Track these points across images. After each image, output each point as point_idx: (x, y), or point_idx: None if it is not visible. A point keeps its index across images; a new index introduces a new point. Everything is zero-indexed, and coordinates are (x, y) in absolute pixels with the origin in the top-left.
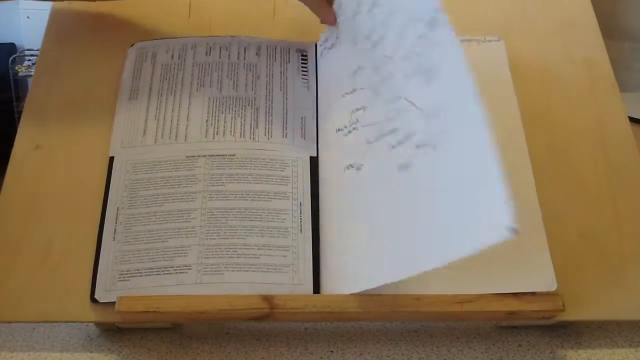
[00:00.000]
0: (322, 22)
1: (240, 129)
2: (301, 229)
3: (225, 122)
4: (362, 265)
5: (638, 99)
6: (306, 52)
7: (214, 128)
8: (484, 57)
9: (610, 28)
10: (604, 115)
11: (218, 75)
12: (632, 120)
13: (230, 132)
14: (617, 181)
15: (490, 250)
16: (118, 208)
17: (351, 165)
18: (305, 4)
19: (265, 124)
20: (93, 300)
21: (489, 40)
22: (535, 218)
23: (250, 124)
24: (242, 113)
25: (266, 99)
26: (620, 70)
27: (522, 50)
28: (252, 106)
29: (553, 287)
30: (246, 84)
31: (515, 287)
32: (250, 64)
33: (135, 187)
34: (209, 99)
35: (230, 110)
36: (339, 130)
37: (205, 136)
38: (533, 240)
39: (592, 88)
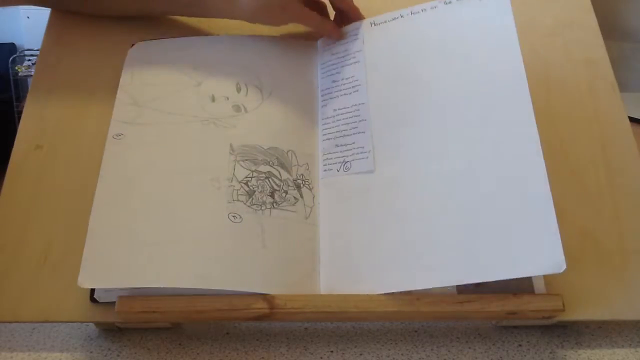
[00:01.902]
0: (329, 37)
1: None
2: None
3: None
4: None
5: (638, 99)
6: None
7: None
8: (487, 16)
9: (610, 28)
10: (603, 115)
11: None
12: (632, 120)
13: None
14: (617, 181)
15: (495, 231)
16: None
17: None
18: (308, 25)
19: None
20: (93, 300)
21: None
22: (544, 196)
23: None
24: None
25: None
26: (620, 70)
27: (522, 50)
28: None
29: (562, 268)
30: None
31: (522, 270)
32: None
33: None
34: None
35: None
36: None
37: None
38: (541, 220)
39: (592, 88)
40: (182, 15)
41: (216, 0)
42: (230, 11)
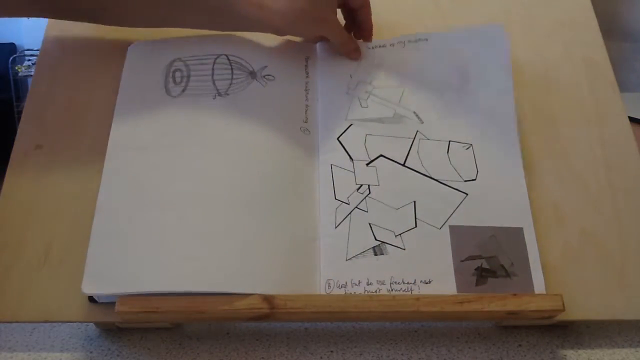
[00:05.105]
0: (348, 56)
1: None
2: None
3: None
4: None
5: (638, 99)
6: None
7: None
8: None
9: (610, 28)
10: (603, 115)
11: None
12: (632, 120)
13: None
14: (617, 181)
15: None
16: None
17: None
18: (335, 40)
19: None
20: (92, 300)
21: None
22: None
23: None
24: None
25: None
26: (620, 70)
27: (522, 50)
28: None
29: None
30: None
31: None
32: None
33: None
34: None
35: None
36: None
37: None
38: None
39: (592, 88)
40: (208, 28)
41: (247, 8)
42: (260, 19)
